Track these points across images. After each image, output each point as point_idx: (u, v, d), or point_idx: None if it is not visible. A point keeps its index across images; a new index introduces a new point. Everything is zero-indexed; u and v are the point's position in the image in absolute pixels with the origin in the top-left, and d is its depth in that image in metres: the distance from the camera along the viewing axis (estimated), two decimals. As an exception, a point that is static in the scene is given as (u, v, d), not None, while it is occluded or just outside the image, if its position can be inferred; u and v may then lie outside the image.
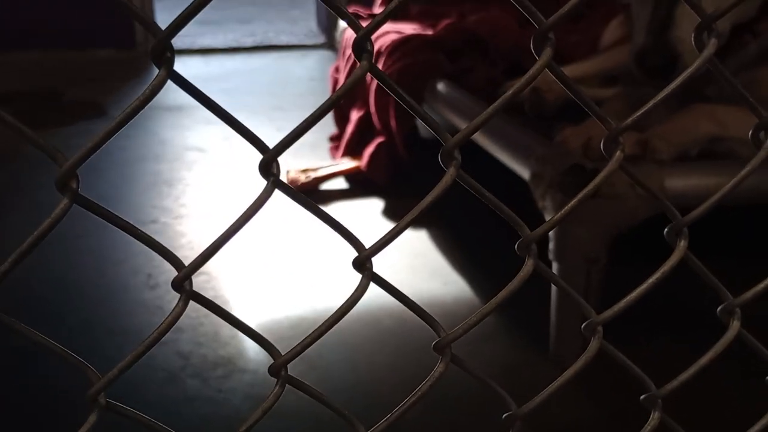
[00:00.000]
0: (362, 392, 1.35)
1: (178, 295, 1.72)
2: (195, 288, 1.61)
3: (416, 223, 2.10)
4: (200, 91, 0.44)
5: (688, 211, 0.67)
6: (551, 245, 1.36)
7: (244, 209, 0.46)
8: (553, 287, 1.38)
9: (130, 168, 2.33)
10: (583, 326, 0.54)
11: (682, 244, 0.54)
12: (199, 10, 0.42)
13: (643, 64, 1.36)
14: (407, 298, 0.52)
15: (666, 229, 0.55)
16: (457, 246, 1.90)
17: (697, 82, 0.98)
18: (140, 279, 1.73)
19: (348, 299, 0.50)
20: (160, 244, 0.46)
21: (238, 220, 0.46)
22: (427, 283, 1.72)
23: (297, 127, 0.45)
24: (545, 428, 1.23)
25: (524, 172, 1.45)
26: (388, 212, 2.09)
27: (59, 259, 1.77)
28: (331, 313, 0.51)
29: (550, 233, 1.36)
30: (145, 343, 0.46)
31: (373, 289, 1.77)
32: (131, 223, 0.45)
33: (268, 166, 0.45)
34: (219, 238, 0.46)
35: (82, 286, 1.70)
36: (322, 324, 0.50)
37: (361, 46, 0.44)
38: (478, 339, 1.50)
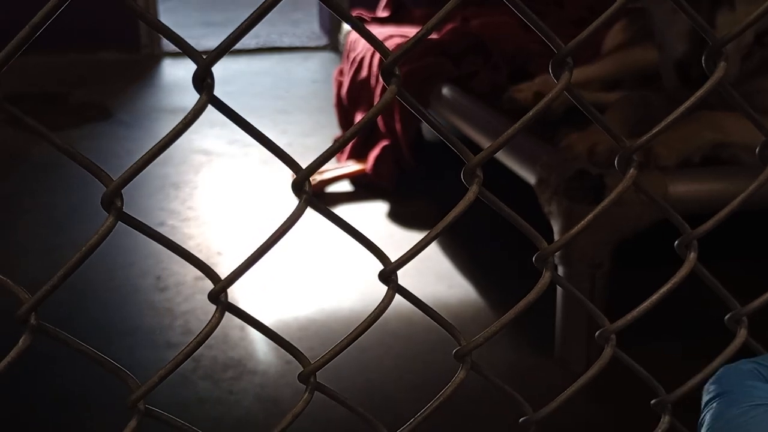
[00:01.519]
0: (373, 393, 1.38)
1: (187, 297, 1.76)
2: (203, 291, 1.65)
3: (422, 227, 2.13)
4: (237, 113, 0.47)
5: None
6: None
7: (278, 226, 0.48)
8: (559, 293, 1.41)
9: (136, 170, 2.35)
10: (596, 334, 0.57)
11: (692, 256, 0.57)
12: (237, 41, 0.44)
13: (685, 73, 1.34)
14: (429, 307, 0.55)
15: (676, 242, 0.58)
16: (462, 250, 1.92)
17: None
18: (149, 281, 1.76)
19: (374, 311, 0.52)
20: (198, 258, 0.49)
21: (271, 237, 0.48)
22: (432, 287, 1.74)
23: (329, 148, 0.48)
24: (552, 429, 1.26)
25: (530, 178, 1.47)
26: (393, 215, 2.12)
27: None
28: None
29: (556, 239, 1.38)
30: (184, 351, 0.49)
31: (379, 291, 1.79)
32: (173, 240, 0.48)
33: (301, 185, 0.47)
34: (253, 254, 0.48)
35: (93, 288, 1.72)
36: (350, 334, 0.53)
37: (390, 71, 0.46)
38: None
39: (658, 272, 0.71)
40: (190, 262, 0.49)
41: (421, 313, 0.57)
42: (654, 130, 0.52)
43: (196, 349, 0.50)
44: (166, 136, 0.45)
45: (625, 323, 0.56)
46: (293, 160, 0.49)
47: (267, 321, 1.59)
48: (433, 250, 1.90)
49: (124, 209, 0.47)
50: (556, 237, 1.37)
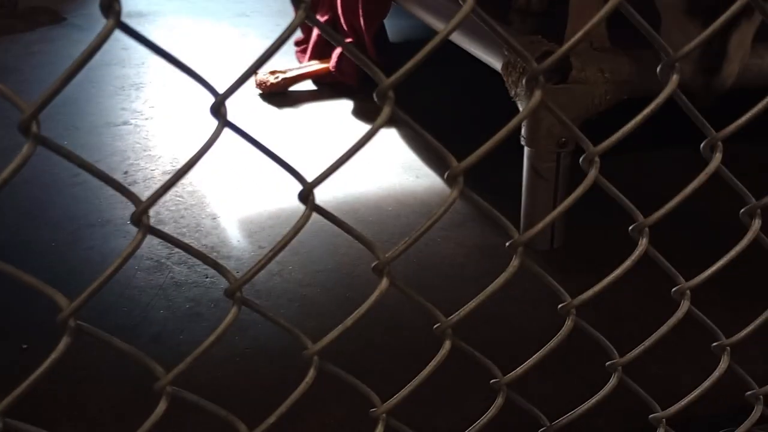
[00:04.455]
0: (344, 273, 1.41)
1: (158, 186, 1.72)
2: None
3: (386, 123, 2.14)
4: (149, 39, 0.47)
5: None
6: (523, 131, 1.41)
7: (197, 149, 0.50)
8: (525, 171, 1.44)
9: (95, 72, 2.31)
10: (581, 159, 0.60)
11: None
12: None
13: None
14: (347, 225, 0.56)
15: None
16: (426, 144, 1.94)
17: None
18: (117, 177, 1.75)
19: (292, 229, 0.53)
20: (117, 181, 0.50)
21: (190, 159, 0.50)
22: (399, 177, 1.77)
23: (259, 57, 0.49)
24: (515, 330, 1.31)
25: (496, 63, 1.49)
26: (358, 112, 2.12)
27: (35, 160, 1.77)
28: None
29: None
30: (105, 274, 0.50)
31: (351, 183, 1.83)
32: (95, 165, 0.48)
33: (219, 108, 0.49)
34: (172, 177, 0.50)
35: (60, 184, 1.71)
36: (275, 245, 0.54)
37: None
38: (451, 225, 1.57)
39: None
40: (108, 183, 0.50)
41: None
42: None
43: (120, 269, 0.50)
44: (72, 63, 0.45)
45: (610, 144, 0.58)
46: (210, 84, 0.50)
47: (239, 213, 1.61)
48: (399, 143, 1.92)
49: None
50: (522, 119, 1.40)
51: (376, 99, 0.53)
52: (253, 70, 0.51)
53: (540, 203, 1.43)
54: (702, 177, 0.64)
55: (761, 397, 0.81)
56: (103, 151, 1.86)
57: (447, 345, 0.60)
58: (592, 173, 0.58)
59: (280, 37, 0.51)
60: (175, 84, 2.28)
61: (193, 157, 0.51)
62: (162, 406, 0.54)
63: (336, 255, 1.46)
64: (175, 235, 1.57)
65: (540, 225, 0.58)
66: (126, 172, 1.77)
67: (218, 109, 0.50)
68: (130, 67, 2.40)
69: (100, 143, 1.90)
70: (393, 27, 2.47)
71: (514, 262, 0.60)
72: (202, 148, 0.51)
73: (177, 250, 1.47)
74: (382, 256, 0.58)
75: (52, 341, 0.50)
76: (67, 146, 0.48)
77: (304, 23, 1.89)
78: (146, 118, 2.06)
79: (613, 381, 0.71)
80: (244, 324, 1.24)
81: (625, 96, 1.37)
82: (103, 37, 0.45)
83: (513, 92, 1.42)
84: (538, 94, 0.55)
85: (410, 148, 1.91)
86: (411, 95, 1.34)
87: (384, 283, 0.57)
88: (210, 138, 0.52)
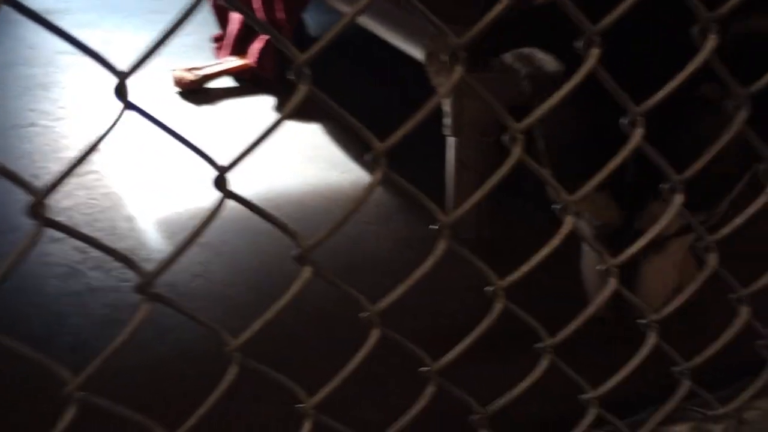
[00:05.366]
0: (269, 271, 1.38)
1: (68, 193, 1.68)
2: (85, 187, 1.58)
3: (310, 118, 2.11)
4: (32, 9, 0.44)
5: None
6: (447, 121, 1.40)
7: (99, 134, 0.47)
8: (448, 161, 1.44)
9: (-1, 73, 2.20)
10: (505, 137, 0.58)
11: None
12: None
13: None
14: (266, 211, 0.54)
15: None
16: (351, 139, 1.92)
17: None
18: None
19: (208, 215, 0.51)
20: (7, 168, 0.46)
21: (92, 143, 0.47)
22: (325, 173, 1.74)
23: (155, 41, 0.46)
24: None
25: (418, 53, 1.47)
26: (280, 108, 2.09)
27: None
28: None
29: (448, 110, 1.40)
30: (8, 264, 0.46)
31: (275, 179, 1.78)
32: None
33: (122, 89, 0.46)
34: (71, 163, 0.47)
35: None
36: (189, 235, 0.51)
37: None
38: (378, 219, 1.55)
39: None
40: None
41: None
42: None
43: (18, 263, 0.47)
44: None
45: (534, 120, 0.57)
46: (111, 63, 0.47)
47: (158, 213, 1.55)
48: (324, 139, 1.89)
49: None
50: (445, 108, 1.39)
51: (293, 77, 0.50)
52: (156, 46, 0.48)
53: (465, 194, 1.42)
54: (624, 152, 0.64)
55: (688, 372, 0.81)
56: (10, 155, 1.77)
57: (375, 333, 0.58)
58: (516, 151, 0.57)
59: (187, 11, 0.48)
60: (85, 84, 2.18)
61: (95, 141, 0.48)
62: (70, 413, 0.50)
63: (260, 253, 1.42)
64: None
65: (466, 204, 0.57)
66: (35, 176, 1.68)
67: (121, 90, 0.47)
68: (38, 66, 2.30)
69: (7, 146, 1.81)
70: (313, 22, 2.44)
71: (441, 245, 0.58)
72: (105, 131, 0.48)
73: (92, 254, 1.41)
74: (303, 243, 0.55)
75: None
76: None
77: (221, 20, 1.82)
78: (55, 119, 1.97)
79: (543, 363, 0.70)
80: (165, 327, 1.19)
81: (550, 88, 1.38)
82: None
83: (434, 81, 1.41)
84: (459, 70, 0.54)
85: (335, 144, 1.88)
86: (334, 91, 1.31)
87: (306, 271, 0.55)
88: (114, 121, 0.48)
